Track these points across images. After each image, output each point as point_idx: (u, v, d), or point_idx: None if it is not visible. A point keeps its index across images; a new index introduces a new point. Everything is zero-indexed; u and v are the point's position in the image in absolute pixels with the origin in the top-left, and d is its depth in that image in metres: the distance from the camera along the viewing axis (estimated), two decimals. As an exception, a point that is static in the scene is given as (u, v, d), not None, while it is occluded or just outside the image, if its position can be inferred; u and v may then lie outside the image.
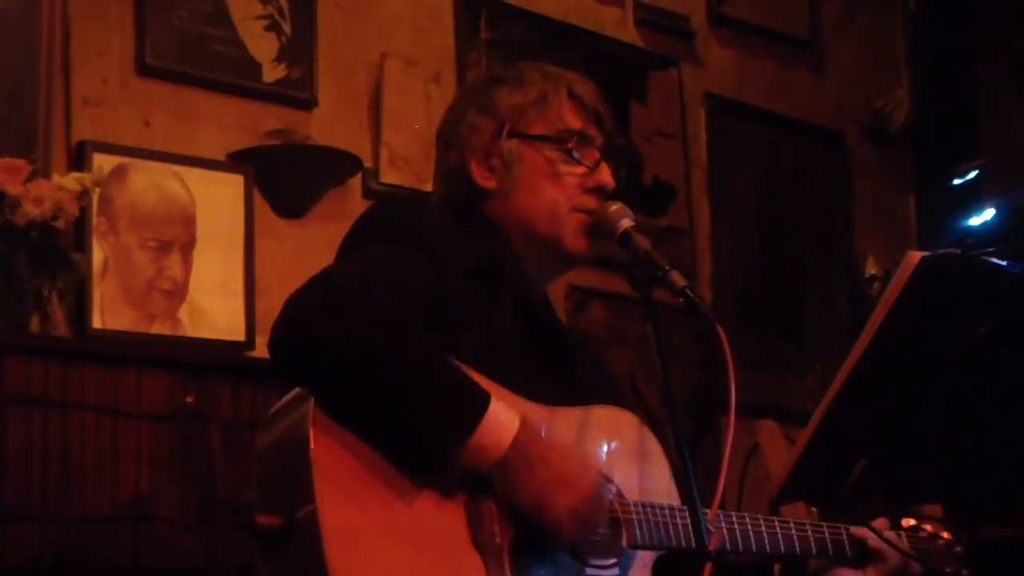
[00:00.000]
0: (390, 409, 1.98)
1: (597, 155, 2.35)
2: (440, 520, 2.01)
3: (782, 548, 2.34)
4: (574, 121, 2.35)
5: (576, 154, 2.33)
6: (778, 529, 2.34)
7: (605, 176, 2.33)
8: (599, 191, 2.33)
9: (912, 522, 2.47)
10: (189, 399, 2.93)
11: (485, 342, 2.15)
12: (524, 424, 2.03)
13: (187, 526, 2.85)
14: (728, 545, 2.27)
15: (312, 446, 1.96)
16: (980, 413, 2.17)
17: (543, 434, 2.10)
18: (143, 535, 2.82)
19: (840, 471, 2.13)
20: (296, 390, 2.06)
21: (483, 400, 2.01)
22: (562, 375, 2.28)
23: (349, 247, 2.26)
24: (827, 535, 2.39)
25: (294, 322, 2.02)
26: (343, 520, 1.94)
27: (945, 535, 2.47)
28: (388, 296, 2.05)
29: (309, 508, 1.94)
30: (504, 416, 2.02)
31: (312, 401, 1.99)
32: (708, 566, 1.96)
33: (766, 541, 2.32)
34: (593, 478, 2.09)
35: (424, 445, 1.99)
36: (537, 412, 2.14)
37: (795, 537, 2.35)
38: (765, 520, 2.33)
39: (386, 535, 1.97)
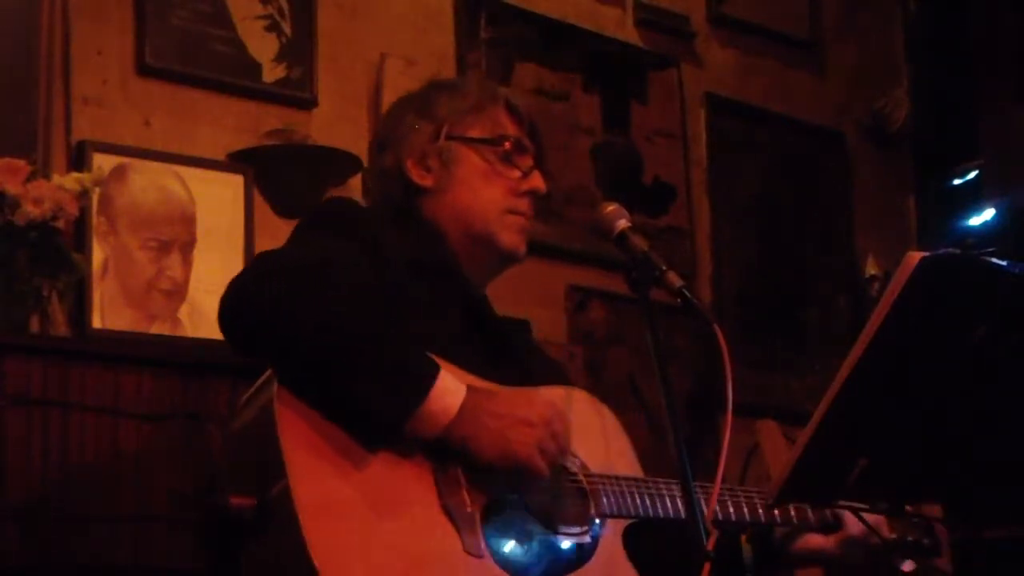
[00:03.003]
0: (341, 380, 2.03)
1: (531, 161, 2.47)
2: (410, 489, 2.07)
3: (747, 517, 2.40)
4: (511, 128, 2.47)
5: (512, 158, 2.44)
6: (742, 498, 2.40)
7: (538, 181, 2.46)
8: (532, 195, 2.45)
9: None
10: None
11: (429, 337, 2.19)
12: (471, 388, 2.11)
13: (187, 526, 2.85)
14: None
15: (279, 423, 2.00)
16: (980, 413, 2.16)
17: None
18: (143, 535, 2.82)
19: (840, 471, 2.12)
20: (263, 377, 2.11)
21: (433, 369, 2.07)
22: (506, 365, 2.34)
23: (294, 236, 2.34)
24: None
25: (238, 296, 2.08)
26: (316, 493, 1.98)
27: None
28: (333, 271, 2.11)
29: (281, 484, 1.97)
30: (452, 383, 2.09)
31: (277, 382, 2.04)
32: (706, 566, 1.97)
33: (731, 510, 2.38)
34: (544, 406, 2.16)
35: (376, 415, 2.04)
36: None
37: (760, 505, 2.40)
38: (729, 490, 2.39)
39: (359, 505, 2.01)
